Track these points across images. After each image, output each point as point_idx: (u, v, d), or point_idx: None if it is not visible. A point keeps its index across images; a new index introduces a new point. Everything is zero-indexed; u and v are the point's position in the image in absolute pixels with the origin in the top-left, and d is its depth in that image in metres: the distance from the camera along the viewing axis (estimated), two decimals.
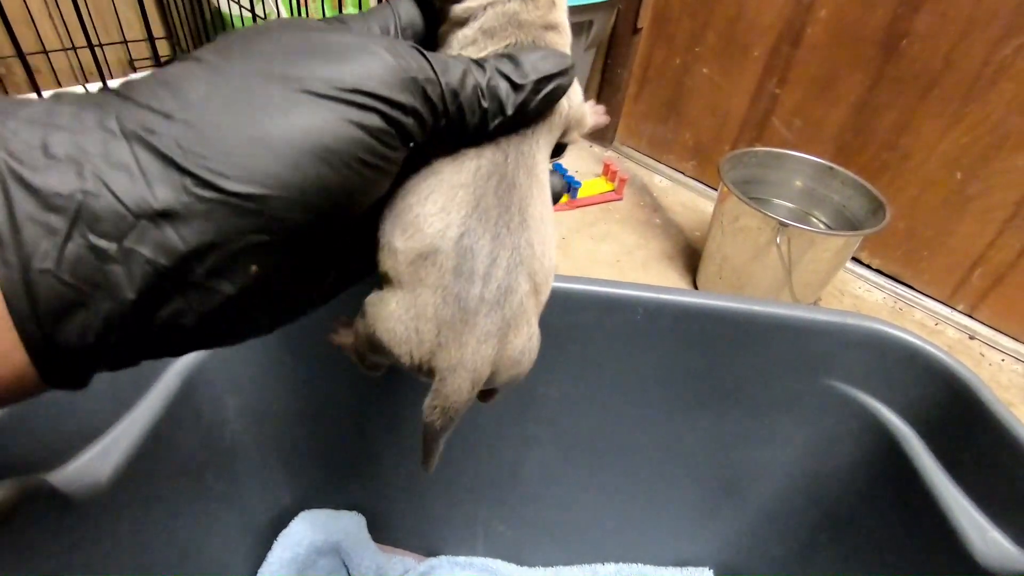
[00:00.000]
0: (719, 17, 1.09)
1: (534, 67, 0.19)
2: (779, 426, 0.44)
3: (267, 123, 0.14)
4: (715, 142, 1.20)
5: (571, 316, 0.40)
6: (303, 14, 0.60)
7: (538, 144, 0.21)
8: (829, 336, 0.39)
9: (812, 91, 1.03)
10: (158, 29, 1.10)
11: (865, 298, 1.05)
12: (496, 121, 0.19)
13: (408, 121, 0.17)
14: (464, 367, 0.18)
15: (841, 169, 0.92)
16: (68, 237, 0.13)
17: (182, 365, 0.38)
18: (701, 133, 1.21)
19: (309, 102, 0.15)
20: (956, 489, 0.35)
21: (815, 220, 0.98)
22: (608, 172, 1.19)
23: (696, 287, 1.00)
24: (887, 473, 0.39)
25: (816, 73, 1.02)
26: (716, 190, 1.21)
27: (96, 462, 0.32)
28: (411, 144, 0.18)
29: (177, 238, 0.14)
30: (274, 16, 0.88)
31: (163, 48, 1.12)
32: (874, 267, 1.07)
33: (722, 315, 0.40)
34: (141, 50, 1.09)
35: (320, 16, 0.85)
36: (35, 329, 0.13)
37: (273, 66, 0.15)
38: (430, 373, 0.19)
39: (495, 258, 0.19)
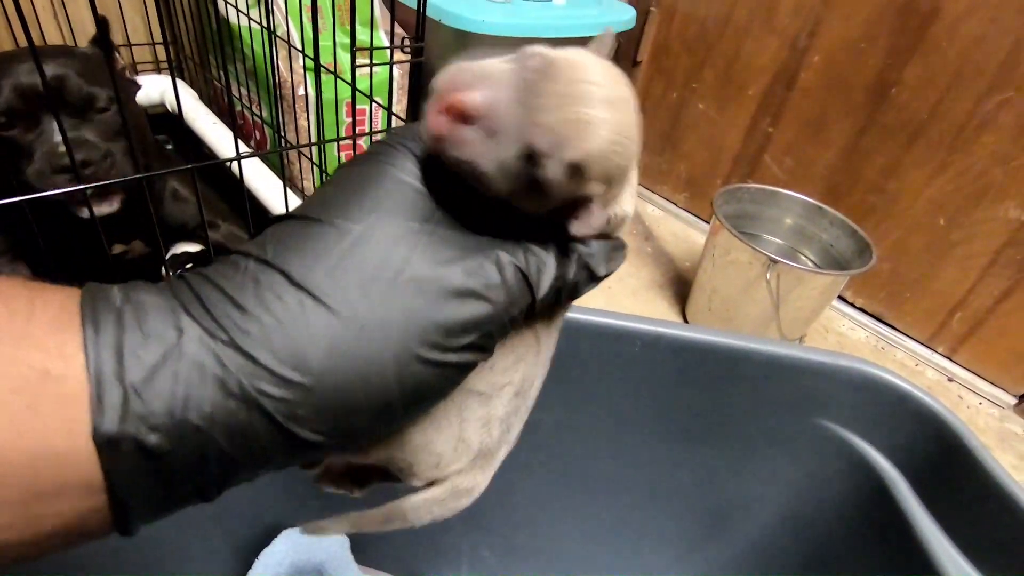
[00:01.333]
0: (717, 56, 1.13)
1: (606, 263, 0.19)
2: (769, 463, 0.44)
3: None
4: (708, 176, 1.22)
5: (569, 345, 0.40)
6: (314, 28, 0.60)
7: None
8: (821, 376, 0.40)
9: (804, 132, 1.06)
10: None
11: (849, 336, 1.06)
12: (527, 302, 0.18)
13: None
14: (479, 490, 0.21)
15: (830, 209, 0.94)
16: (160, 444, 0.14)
17: None
18: (695, 166, 1.24)
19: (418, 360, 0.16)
20: (942, 534, 0.35)
21: (804, 258, 1.00)
22: None
23: (685, 317, 1.01)
24: (874, 515, 0.39)
25: (808, 115, 1.05)
26: (707, 222, 1.23)
27: None
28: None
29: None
30: (282, 30, 0.89)
31: (163, 54, 1.12)
32: (858, 306, 1.10)
33: (718, 351, 0.40)
34: (144, 53, 1.09)
35: (329, 29, 0.86)
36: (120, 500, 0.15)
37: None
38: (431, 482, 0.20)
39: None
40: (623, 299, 1.03)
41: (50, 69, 0.58)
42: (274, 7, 0.88)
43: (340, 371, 0.15)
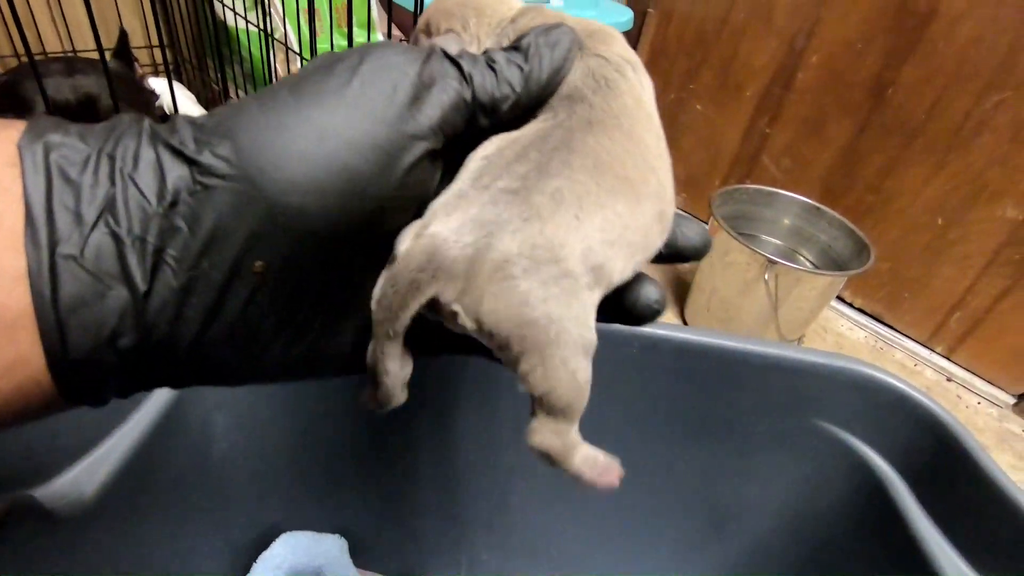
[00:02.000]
0: (715, 56, 1.13)
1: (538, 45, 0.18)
2: (768, 464, 0.45)
3: (286, 118, 0.15)
4: (706, 176, 1.22)
5: None
6: (311, 30, 0.60)
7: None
8: (819, 377, 0.40)
9: (802, 132, 1.06)
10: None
11: (847, 336, 1.07)
12: (508, 103, 0.18)
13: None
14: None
15: (828, 210, 0.95)
16: (94, 227, 0.14)
17: None
18: (693, 167, 1.24)
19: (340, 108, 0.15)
20: (939, 534, 0.35)
21: (802, 258, 1.00)
22: None
23: (684, 318, 1.01)
24: (872, 516, 0.39)
25: (806, 115, 1.05)
26: (706, 222, 1.23)
27: (83, 478, 0.31)
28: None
29: (185, 227, 0.14)
30: (280, 33, 0.89)
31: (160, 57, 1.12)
32: (856, 306, 1.10)
33: (716, 352, 0.40)
34: (142, 57, 1.09)
35: (327, 32, 0.86)
36: (52, 317, 0.13)
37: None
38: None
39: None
40: None
41: (83, 86, 0.59)
42: (271, 10, 0.89)
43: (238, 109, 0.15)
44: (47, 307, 0.13)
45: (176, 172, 0.14)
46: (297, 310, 0.17)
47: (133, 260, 0.14)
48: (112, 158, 0.14)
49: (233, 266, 0.15)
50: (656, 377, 0.42)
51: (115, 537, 0.34)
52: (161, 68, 1.10)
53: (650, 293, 0.19)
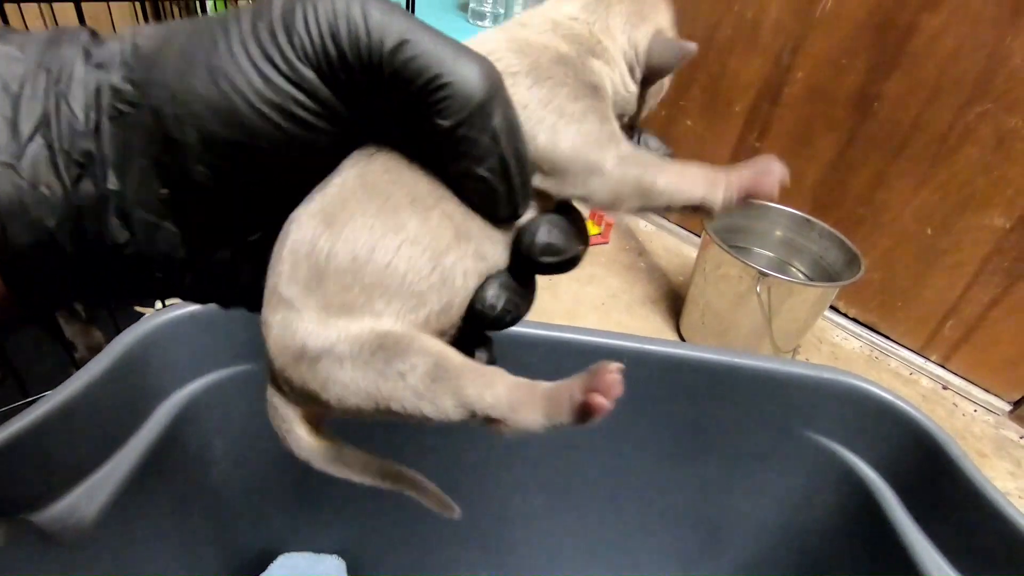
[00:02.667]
0: (703, 73, 1.15)
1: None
2: (759, 476, 0.45)
3: (197, 53, 0.15)
4: None
5: (555, 363, 0.41)
6: None
7: None
8: (807, 389, 0.41)
9: (790, 146, 1.08)
10: None
11: (843, 346, 1.07)
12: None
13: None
14: None
15: (818, 221, 0.96)
16: (30, 138, 0.15)
17: (172, 405, 0.38)
18: None
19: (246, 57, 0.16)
20: (928, 542, 0.36)
21: (794, 270, 1.01)
22: (595, 216, 1.22)
23: (679, 331, 1.02)
24: (863, 526, 0.40)
25: (794, 129, 1.07)
26: (699, 236, 1.24)
27: (82, 501, 0.31)
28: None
29: (105, 146, 0.16)
30: None
31: None
32: (851, 316, 1.10)
33: (703, 366, 0.41)
34: None
35: None
36: None
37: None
38: None
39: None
40: (618, 315, 1.04)
41: None
42: None
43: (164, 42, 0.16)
44: None
45: (104, 95, 0.16)
46: (205, 242, 0.18)
47: (62, 169, 0.15)
48: (49, 72, 0.15)
49: (139, 188, 0.16)
50: (646, 393, 0.42)
51: (114, 561, 0.34)
52: None
53: (486, 295, 0.18)
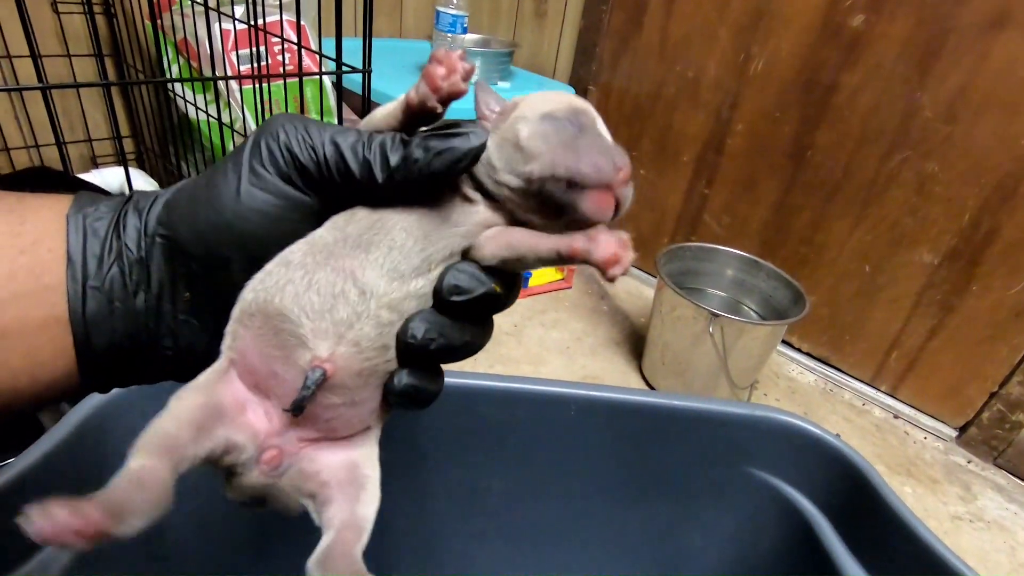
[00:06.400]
0: (652, 126, 1.22)
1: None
2: (710, 513, 0.47)
3: (212, 192, 0.21)
4: (655, 235, 1.30)
5: (508, 412, 0.43)
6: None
7: None
8: (745, 428, 0.44)
9: (736, 192, 1.14)
10: (125, 129, 1.15)
11: (799, 380, 1.11)
12: (383, 175, 0.21)
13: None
14: None
15: (765, 263, 1.01)
16: (110, 268, 0.21)
17: None
18: (642, 227, 1.31)
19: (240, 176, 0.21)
20: (859, 568, 0.38)
21: (746, 308, 1.06)
22: None
23: (642, 372, 1.05)
24: (804, 558, 0.42)
25: (738, 177, 1.13)
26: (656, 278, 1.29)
27: (36, 572, 0.32)
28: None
29: (148, 269, 0.22)
30: (240, 121, 0.94)
31: (128, 145, 1.16)
32: (805, 351, 1.15)
33: (647, 410, 0.43)
34: (105, 147, 1.12)
35: None
36: (82, 329, 0.21)
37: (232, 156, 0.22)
38: None
39: None
40: (582, 358, 1.07)
41: None
42: (231, 100, 0.94)
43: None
44: (79, 318, 0.21)
45: (147, 233, 0.22)
46: (218, 325, 0.23)
47: (129, 288, 0.21)
48: (117, 223, 0.22)
49: (171, 295, 0.22)
50: (595, 437, 0.44)
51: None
52: (129, 157, 1.13)
53: (408, 325, 0.22)
